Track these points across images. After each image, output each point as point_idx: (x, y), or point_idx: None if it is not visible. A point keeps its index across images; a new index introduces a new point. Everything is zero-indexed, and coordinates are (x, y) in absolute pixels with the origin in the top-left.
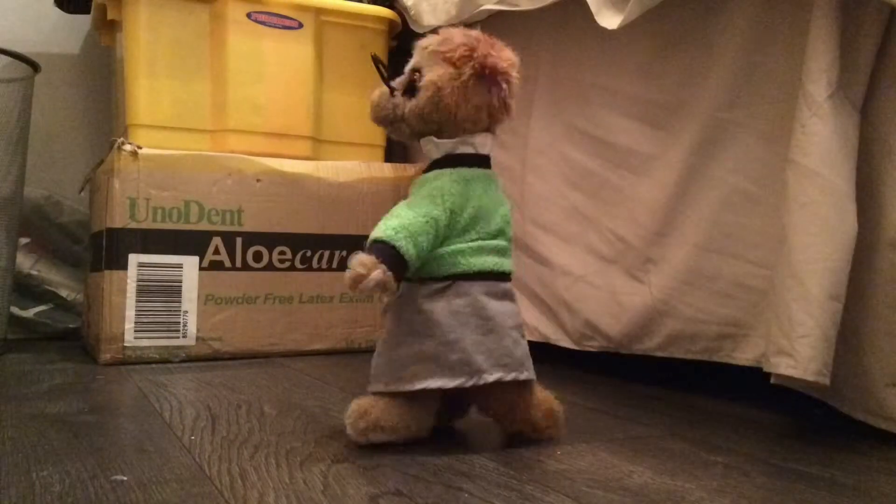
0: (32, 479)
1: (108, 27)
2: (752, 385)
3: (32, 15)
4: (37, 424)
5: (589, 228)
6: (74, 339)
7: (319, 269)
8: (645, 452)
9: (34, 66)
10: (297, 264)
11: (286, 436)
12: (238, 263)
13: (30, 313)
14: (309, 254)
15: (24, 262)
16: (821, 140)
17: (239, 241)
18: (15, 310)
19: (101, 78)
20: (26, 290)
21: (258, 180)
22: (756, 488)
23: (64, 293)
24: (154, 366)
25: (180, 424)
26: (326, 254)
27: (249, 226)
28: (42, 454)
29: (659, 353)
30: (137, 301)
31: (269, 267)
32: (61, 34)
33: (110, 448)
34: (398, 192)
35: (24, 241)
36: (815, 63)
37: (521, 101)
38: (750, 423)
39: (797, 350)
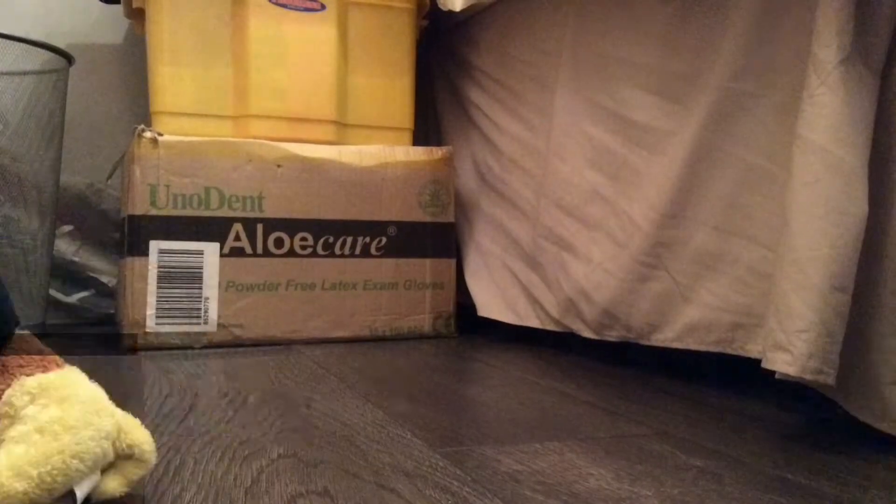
0: None
1: (138, 16)
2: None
3: (76, 6)
4: None
5: (608, 212)
6: (114, 324)
7: (342, 256)
8: (618, 453)
9: (68, 58)
10: (319, 251)
11: (250, 427)
12: (259, 250)
13: (73, 299)
14: (331, 240)
15: (68, 249)
16: (830, 112)
17: (260, 227)
18: (59, 295)
19: (142, 67)
20: (69, 276)
21: (279, 166)
22: (720, 497)
23: (105, 279)
24: (175, 352)
25: (156, 413)
26: (349, 240)
27: (270, 212)
28: None
29: (676, 345)
30: (159, 287)
31: (291, 253)
32: (104, 25)
33: None
34: (424, 177)
35: (67, 228)
36: (826, 25)
37: (547, 78)
38: (759, 422)
39: (795, 345)
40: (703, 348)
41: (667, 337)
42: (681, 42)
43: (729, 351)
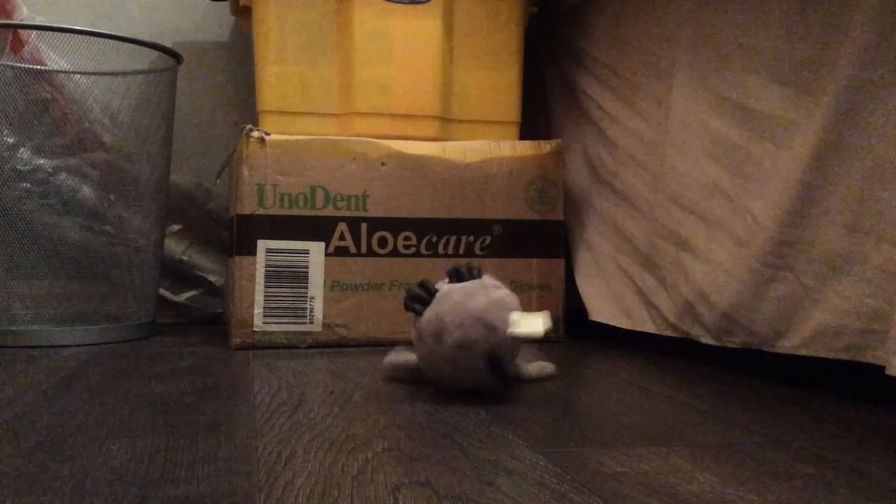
0: (100, 451)
1: (244, 14)
2: None
3: (182, 4)
4: (136, 403)
5: (729, 208)
6: (222, 323)
7: (445, 255)
8: (727, 460)
9: (176, 57)
10: (423, 250)
11: (355, 422)
12: (363, 249)
13: (181, 298)
14: (434, 239)
15: (176, 248)
16: None
17: (364, 226)
18: (168, 294)
19: (248, 65)
20: (178, 275)
21: (383, 164)
22: None
23: (213, 278)
24: (280, 350)
25: (266, 407)
26: (452, 239)
27: (374, 211)
28: (123, 430)
29: (803, 352)
30: (266, 286)
31: (395, 253)
32: (210, 22)
33: (187, 427)
34: (531, 172)
35: (175, 227)
36: None
37: (664, 65)
38: (884, 432)
39: None
40: (831, 355)
41: (793, 343)
42: (806, 25)
43: (859, 358)
